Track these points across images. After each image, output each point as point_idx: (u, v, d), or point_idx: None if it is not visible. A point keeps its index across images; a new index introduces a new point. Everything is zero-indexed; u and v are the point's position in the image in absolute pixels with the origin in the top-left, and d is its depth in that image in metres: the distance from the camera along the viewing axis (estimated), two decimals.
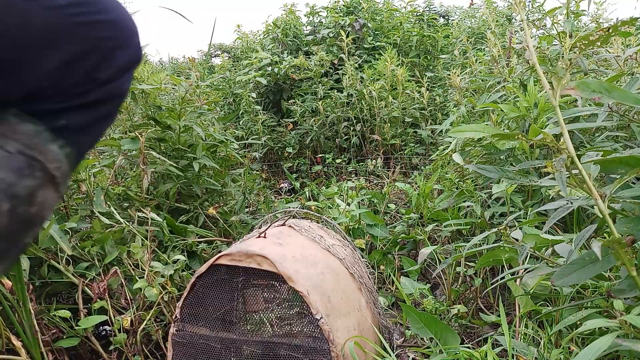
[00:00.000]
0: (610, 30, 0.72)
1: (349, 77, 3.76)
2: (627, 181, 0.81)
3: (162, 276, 1.36)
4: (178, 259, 1.46)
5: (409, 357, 1.39)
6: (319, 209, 2.27)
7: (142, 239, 1.49)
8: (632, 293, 0.76)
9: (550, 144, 0.71)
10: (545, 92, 1.68)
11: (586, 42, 0.72)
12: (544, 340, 1.10)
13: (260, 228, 1.41)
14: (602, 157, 0.81)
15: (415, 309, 1.28)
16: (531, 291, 1.28)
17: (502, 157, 1.81)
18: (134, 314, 1.33)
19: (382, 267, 1.99)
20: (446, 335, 1.23)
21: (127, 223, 1.54)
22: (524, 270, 1.14)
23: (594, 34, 0.72)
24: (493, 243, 1.57)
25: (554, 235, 1.23)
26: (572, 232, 1.63)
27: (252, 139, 3.63)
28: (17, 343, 1.20)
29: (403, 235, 2.13)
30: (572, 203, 0.81)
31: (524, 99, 1.68)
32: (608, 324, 0.64)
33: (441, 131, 3.03)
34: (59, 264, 1.40)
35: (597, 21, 2.10)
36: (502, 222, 1.66)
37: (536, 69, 0.72)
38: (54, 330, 1.32)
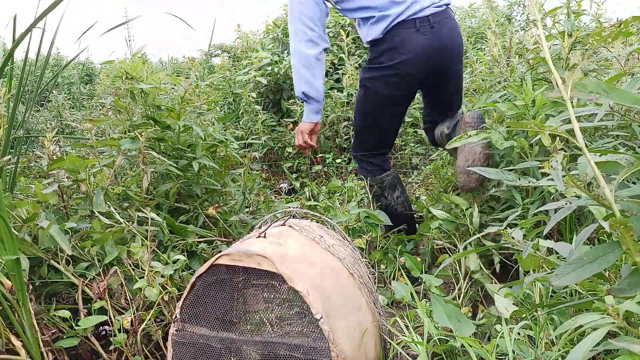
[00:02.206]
0: (622, 26, 0.72)
1: (349, 77, 3.76)
2: (625, 183, 0.80)
3: (162, 276, 1.36)
4: (178, 259, 1.46)
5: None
6: (319, 208, 2.27)
7: (142, 239, 1.49)
8: (633, 292, 0.75)
9: (561, 134, 0.71)
10: (544, 89, 1.68)
11: (598, 38, 0.72)
12: (539, 341, 1.10)
13: (260, 228, 1.41)
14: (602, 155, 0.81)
15: (443, 300, 1.31)
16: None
17: (500, 155, 1.82)
18: (134, 314, 1.33)
19: (382, 266, 1.99)
20: (462, 326, 1.24)
21: (127, 223, 1.54)
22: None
23: (606, 30, 0.71)
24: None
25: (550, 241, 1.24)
26: (566, 239, 1.64)
27: (252, 139, 3.63)
28: (17, 343, 1.20)
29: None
30: (571, 203, 0.81)
31: (519, 96, 1.69)
32: (602, 321, 0.62)
33: None
34: (58, 264, 1.40)
35: (598, 20, 2.10)
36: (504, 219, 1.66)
37: (548, 65, 0.71)
38: (54, 330, 1.31)
